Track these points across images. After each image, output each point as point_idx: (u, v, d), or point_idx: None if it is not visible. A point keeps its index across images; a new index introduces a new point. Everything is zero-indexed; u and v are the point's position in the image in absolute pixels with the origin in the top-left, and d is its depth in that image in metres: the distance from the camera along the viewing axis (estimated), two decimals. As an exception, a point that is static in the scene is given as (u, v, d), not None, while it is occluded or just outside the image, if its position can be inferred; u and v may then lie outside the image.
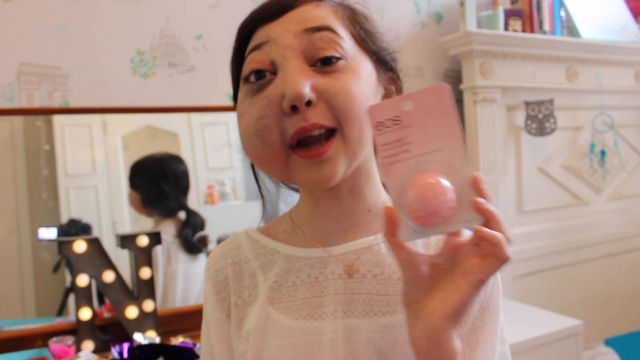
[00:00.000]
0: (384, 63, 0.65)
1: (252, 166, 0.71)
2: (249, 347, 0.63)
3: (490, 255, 0.48)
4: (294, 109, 0.55)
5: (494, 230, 0.48)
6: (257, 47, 0.59)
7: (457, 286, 0.49)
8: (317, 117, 0.56)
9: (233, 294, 0.67)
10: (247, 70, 0.60)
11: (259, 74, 0.58)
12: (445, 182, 0.49)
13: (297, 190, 0.72)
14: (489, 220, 0.49)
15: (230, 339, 0.67)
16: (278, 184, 0.74)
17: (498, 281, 0.65)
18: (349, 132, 0.57)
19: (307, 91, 0.55)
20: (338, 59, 0.58)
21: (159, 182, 1.69)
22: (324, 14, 0.59)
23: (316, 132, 0.56)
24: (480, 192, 0.49)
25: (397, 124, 0.50)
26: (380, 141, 0.51)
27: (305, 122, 0.55)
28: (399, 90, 0.68)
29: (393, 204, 0.51)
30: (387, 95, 0.66)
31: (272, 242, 0.68)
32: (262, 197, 0.74)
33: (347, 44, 0.59)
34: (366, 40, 0.62)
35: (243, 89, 0.61)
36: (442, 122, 0.50)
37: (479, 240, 0.49)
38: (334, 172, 0.57)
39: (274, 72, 0.58)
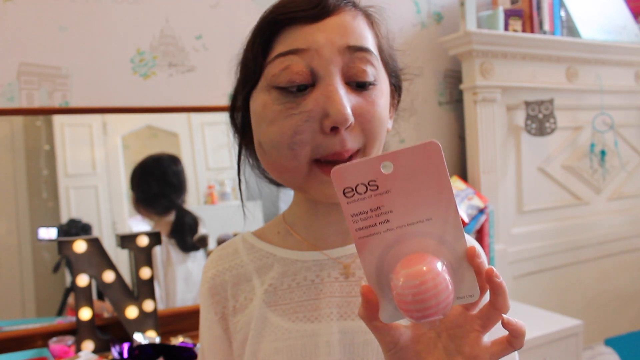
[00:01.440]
0: (395, 79, 0.67)
1: (238, 166, 0.70)
2: (245, 349, 0.63)
3: (506, 341, 0.44)
4: (334, 129, 0.56)
5: (500, 305, 0.43)
6: (294, 52, 0.56)
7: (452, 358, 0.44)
8: (352, 142, 0.57)
9: (231, 299, 0.67)
10: (284, 79, 0.56)
11: (300, 87, 0.56)
12: (442, 270, 0.41)
13: (283, 186, 0.70)
14: (496, 294, 0.43)
15: (221, 341, 0.67)
16: (270, 182, 0.74)
17: None
18: (369, 152, 0.59)
19: (351, 116, 0.55)
20: (374, 85, 0.59)
21: (149, 182, 1.69)
22: (362, 29, 0.59)
23: (348, 157, 0.57)
24: (478, 268, 0.43)
25: (372, 190, 0.42)
26: (350, 211, 0.42)
27: (342, 147, 0.56)
28: (396, 105, 0.69)
29: (369, 282, 0.43)
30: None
31: (268, 245, 0.68)
32: (242, 196, 0.71)
33: (378, 64, 0.60)
34: (388, 58, 0.64)
35: (272, 93, 0.58)
36: (431, 186, 0.41)
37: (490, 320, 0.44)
38: None
39: (312, 84, 0.57)
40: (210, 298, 0.68)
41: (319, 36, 0.56)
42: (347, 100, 0.55)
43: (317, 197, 0.60)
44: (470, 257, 0.42)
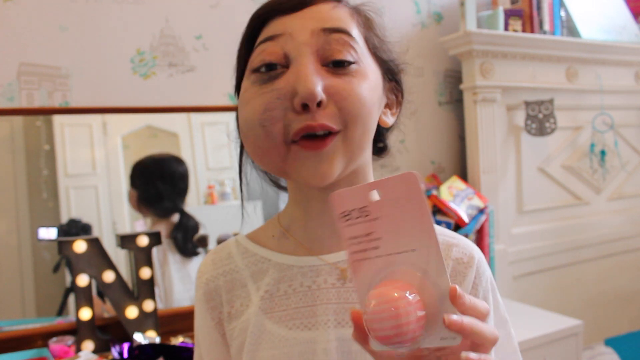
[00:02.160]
0: (390, 73, 0.65)
1: (240, 167, 0.70)
2: (243, 357, 0.63)
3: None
4: (305, 107, 0.55)
5: (479, 341, 0.44)
6: (270, 38, 0.58)
7: None
8: (326, 119, 0.55)
9: (226, 304, 0.66)
10: (258, 60, 0.59)
11: (270, 66, 0.58)
12: (412, 299, 0.42)
13: (285, 190, 0.71)
14: (468, 337, 0.43)
15: (220, 346, 0.66)
16: (272, 184, 0.73)
17: (490, 279, 0.65)
18: (352, 134, 0.57)
19: (319, 91, 0.54)
20: (351, 62, 0.58)
21: (156, 182, 1.69)
22: (341, 16, 0.59)
23: (321, 133, 0.56)
24: (460, 308, 0.43)
25: (364, 216, 0.44)
26: (348, 234, 0.45)
27: (313, 121, 0.55)
28: (400, 102, 0.68)
29: (361, 306, 0.45)
30: (389, 105, 0.66)
31: (262, 249, 0.67)
32: (242, 197, 0.72)
33: (361, 49, 0.59)
34: (378, 48, 0.63)
35: (250, 77, 0.60)
36: (413, 217, 0.43)
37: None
38: (331, 169, 0.57)
39: (286, 66, 0.57)
40: (206, 303, 0.68)
41: (294, 22, 0.58)
42: (316, 78, 0.55)
43: (299, 178, 0.58)
44: (452, 297, 0.42)
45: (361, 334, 0.45)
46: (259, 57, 0.58)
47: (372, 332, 0.42)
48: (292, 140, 0.57)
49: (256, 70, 0.59)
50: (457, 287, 0.42)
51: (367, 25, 0.63)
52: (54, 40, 1.53)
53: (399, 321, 0.41)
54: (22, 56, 1.49)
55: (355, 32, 0.60)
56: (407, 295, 0.42)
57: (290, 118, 0.56)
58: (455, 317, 0.42)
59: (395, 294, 0.41)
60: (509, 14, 2.12)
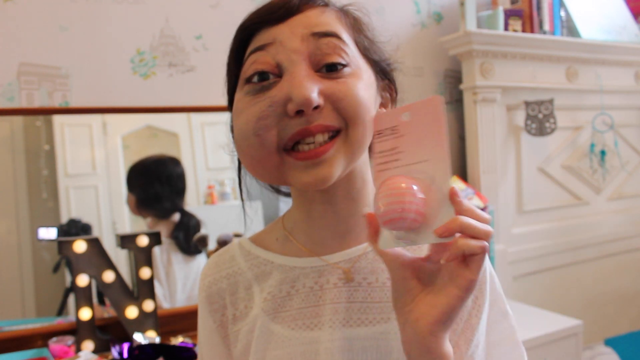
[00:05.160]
0: (382, 72, 0.65)
1: (239, 170, 0.70)
2: (248, 359, 0.63)
3: (471, 255, 0.48)
4: (299, 112, 0.55)
5: (473, 219, 0.48)
6: (261, 48, 0.58)
7: (446, 290, 0.49)
8: (323, 119, 0.55)
9: (230, 307, 0.66)
10: (250, 70, 0.58)
11: (263, 75, 0.57)
12: (415, 188, 0.48)
13: (288, 195, 0.71)
14: (463, 213, 0.48)
15: (220, 349, 0.67)
16: (273, 191, 0.74)
17: (490, 271, 0.65)
18: (354, 133, 0.56)
19: (315, 96, 0.54)
20: (343, 65, 0.57)
21: (153, 184, 1.69)
22: (330, 20, 0.59)
23: (320, 138, 0.55)
24: (457, 205, 0.48)
25: (394, 133, 0.52)
26: (378, 148, 0.52)
27: (308, 123, 0.55)
28: (394, 99, 0.68)
29: (375, 211, 0.50)
30: (383, 104, 0.66)
31: (265, 252, 0.67)
32: (242, 201, 0.72)
33: (352, 51, 0.59)
34: (369, 49, 0.63)
35: (243, 88, 0.59)
36: (432, 134, 0.50)
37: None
38: (331, 172, 0.56)
39: (279, 75, 0.57)
40: (208, 306, 0.68)
41: (284, 30, 0.58)
42: (311, 83, 0.55)
43: (297, 185, 0.58)
44: (452, 195, 0.48)
45: (372, 232, 0.51)
46: (251, 67, 0.58)
47: (378, 216, 0.49)
48: (285, 149, 0.56)
49: (249, 81, 0.58)
50: (455, 188, 0.49)
51: (356, 26, 0.63)
52: (54, 40, 1.53)
53: (401, 203, 0.48)
54: (22, 56, 1.49)
55: (345, 35, 0.59)
56: (411, 185, 0.49)
57: (284, 124, 0.56)
58: (444, 225, 0.47)
59: (401, 184, 0.49)
60: (509, 14, 2.12)
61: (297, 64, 0.56)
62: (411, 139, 0.51)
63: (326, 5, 0.61)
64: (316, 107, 0.55)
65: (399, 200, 0.48)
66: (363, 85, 0.58)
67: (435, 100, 0.50)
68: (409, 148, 0.51)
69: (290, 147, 0.56)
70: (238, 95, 0.61)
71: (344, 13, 0.62)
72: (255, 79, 0.58)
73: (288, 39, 0.57)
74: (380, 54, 0.65)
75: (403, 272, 0.51)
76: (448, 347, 0.50)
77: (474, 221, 0.47)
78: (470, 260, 0.48)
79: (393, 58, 0.67)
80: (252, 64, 0.58)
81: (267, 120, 0.56)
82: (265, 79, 0.57)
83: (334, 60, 0.57)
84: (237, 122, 0.59)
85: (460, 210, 0.48)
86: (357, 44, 0.61)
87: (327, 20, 0.59)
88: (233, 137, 0.63)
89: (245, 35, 0.61)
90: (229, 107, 0.65)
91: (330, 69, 0.57)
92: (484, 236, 0.47)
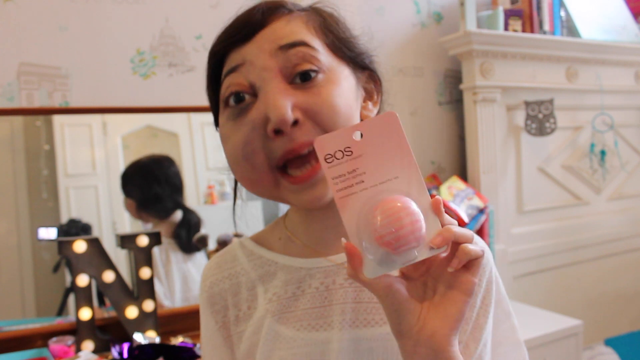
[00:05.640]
0: (360, 66, 0.64)
1: (235, 184, 0.71)
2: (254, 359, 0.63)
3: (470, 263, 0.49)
4: (278, 132, 0.55)
5: (460, 241, 0.48)
6: (233, 70, 0.59)
7: (453, 298, 0.49)
8: (304, 135, 0.56)
9: (233, 308, 0.66)
10: (227, 93, 0.59)
11: (238, 96, 0.58)
12: (413, 205, 0.47)
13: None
14: (446, 222, 0.49)
15: (222, 350, 0.66)
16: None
17: (495, 272, 0.65)
18: None
19: (289, 115, 0.54)
20: (316, 72, 0.57)
21: (151, 185, 1.69)
22: (296, 29, 0.59)
23: (305, 151, 0.56)
24: (441, 217, 0.48)
25: (349, 155, 0.49)
26: (332, 174, 0.48)
27: (292, 143, 0.55)
28: (379, 88, 0.67)
29: (351, 239, 0.48)
30: (368, 96, 0.66)
31: (269, 252, 0.67)
32: (234, 203, 0.73)
33: (323, 56, 0.59)
34: (341, 47, 0.62)
35: (225, 113, 0.61)
36: (396, 149, 0.49)
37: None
38: (326, 191, 0.57)
39: (254, 94, 0.58)
40: (210, 307, 0.67)
41: (251, 49, 0.58)
42: (284, 100, 0.55)
43: (295, 205, 0.59)
44: (436, 206, 0.48)
45: (355, 263, 0.47)
46: (227, 90, 0.59)
47: (379, 241, 0.46)
48: (277, 167, 0.58)
49: (227, 104, 0.60)
50: (438, 197, 0.48)
51: (325, 26, 0.62)
52: (53, 40, 1.53)
53: (408, 224, 0.46)
54: (22, 56, 1.49)
55: (314, 40, 0.59)
56: (409, 203, 0.47)
57: (270, 146, 0.57)
58: (439, 236, 0.47)
59: (399, 203, 0.47)
60: (509, 14, 2.12)
61: (269, 82, 0.57)
62: (372, 158, 0.48)
63: (291, 11, 0.61)
64: (295, 123, 0.55)
65: (404, 218, 0.46)
66: (339, 91, 0.58)
67: (391, 115, 0.49)
68: (371, 168, 0.48)
69: (281, 165, 0.57)
70: (221, 120, 0.62)
71: (310, 14, 0.62)
72: (232, 101, 0.59)
73: (257, 58, 0.57)
74: (354, 49, 0.64)
75: (399, 296, 0.49)
76: (458, 348, 0.51)
77: (460, 227, 0.49)
78: (471, 264, 0.49)
79: (369, 49, 0.66)
80: (228, 87, 0.59)
81: (252, 145, 0.57)
82: (242, 99, 0.58)
83: (305, 68, 0.57)
84: (226, 148, 0.61)
85: (443, 220, 0.48)
86: (328, 46, 0.61)
87: (293, 29, 0.59)
88: (226, 156, 0.64)
89: (217, 60, 0.62)
90: (216, 127, 0.66)
91: (303, 79, 0.57)
92: (471, 240, 0.49)
